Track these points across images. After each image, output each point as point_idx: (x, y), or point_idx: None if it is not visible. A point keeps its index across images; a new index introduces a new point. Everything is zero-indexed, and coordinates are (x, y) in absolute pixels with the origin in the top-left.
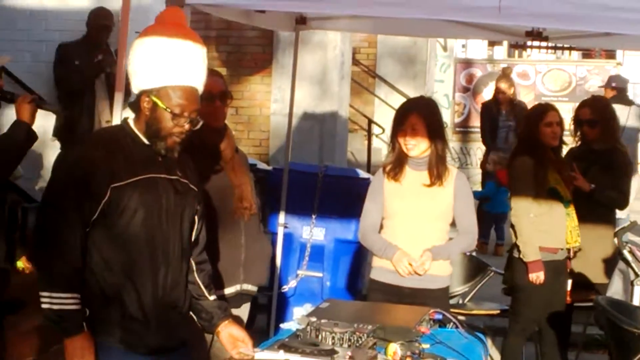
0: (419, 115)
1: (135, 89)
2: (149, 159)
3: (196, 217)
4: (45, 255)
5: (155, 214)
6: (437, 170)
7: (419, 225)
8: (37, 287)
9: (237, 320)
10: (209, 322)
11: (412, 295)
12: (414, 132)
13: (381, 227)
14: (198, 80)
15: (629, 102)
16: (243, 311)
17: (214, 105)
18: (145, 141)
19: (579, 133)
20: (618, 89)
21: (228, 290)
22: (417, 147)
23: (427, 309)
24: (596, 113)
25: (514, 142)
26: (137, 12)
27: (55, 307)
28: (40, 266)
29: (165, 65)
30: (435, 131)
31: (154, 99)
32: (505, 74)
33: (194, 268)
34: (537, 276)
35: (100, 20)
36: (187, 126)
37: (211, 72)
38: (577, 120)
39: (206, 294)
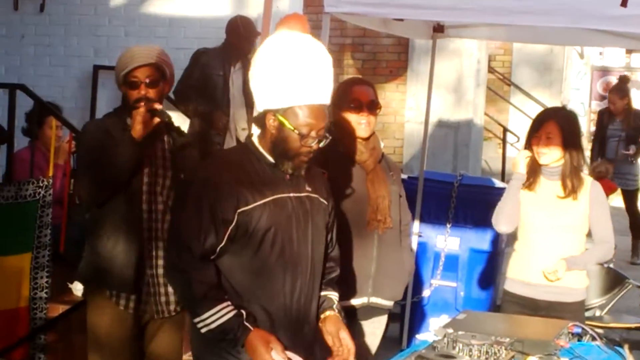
0: (556, 123)
1: (260, 106)
2: (276, 178)
3: (326, 230)
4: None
5: (286, 235)
6: (571, 181)
7: (553, 237)
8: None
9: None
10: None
11: (547, 308)
12: (548, 140)
13: (515, 238)
14: (325, 97)
15: None
16: (376, 325)
17: (362, 115)
18: (271, 160)
19: None
20: None
21: (355, 302)
22: (549, 155)
23: (566, 322)
24: None
25: (622, 153)
26: (276, 19)
27: (213, 326)
28: (181, 294)
29: (291, 84)
30: (570, 141)
31: (281, 118)
32: (620, 83)
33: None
34: None
35: (239, 29)
36: (314, 146)
37: (361, 81)
38: None
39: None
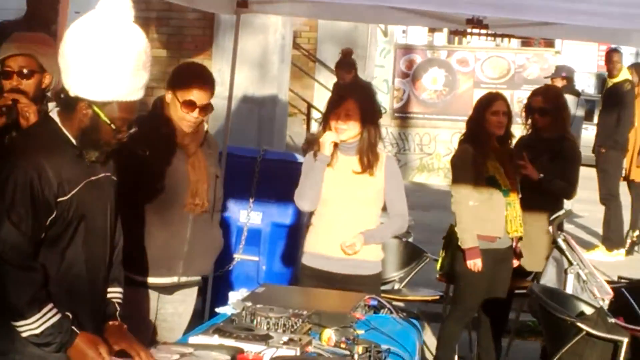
0: (354, 101)
1: (72, 90)
2: (81, 163)
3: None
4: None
5: (93, 221)
6: (367, 157)
7: (350, 211)
8: None
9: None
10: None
11: (344, 281)
12: (347, 117)
13: (312, 213)
14: (143, 91)
15: (577, 93)
16: (188, 301)
17: (191, 115)
18: (75, 144)
19: (529, 121)
20: (567, 79)
21: (164, 280)
22: (348, 131)
23: (362, 295)
24: (548, 102)
25: None
26: None
27: (37, 330)
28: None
29: (113, 79)
30: (368, 117)
31: (97, 110)
32: (344, 58)
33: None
34: (475, 263)
35: None
36: (125, 138)
37: (202, 75)
38: (529, 108)
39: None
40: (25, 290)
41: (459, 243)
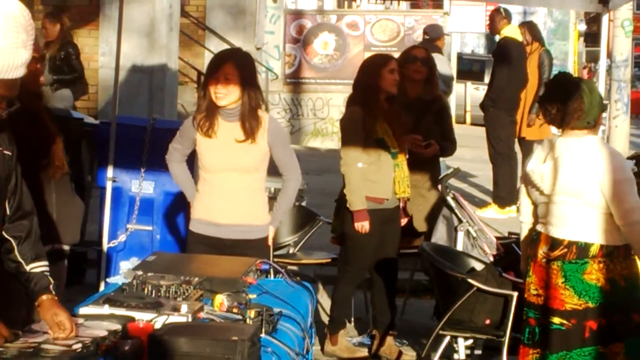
0: (233, 65)
1: None
2: None
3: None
4: None
5: None
6: (249, 122)
7: (235, 178)
8: None
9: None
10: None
11: (233, 246)
12: (226, 81)
13: (199, 178)
14: (24, 69)
15: (441, 51)
16: (60, 269)
17: (35, 68)
18: None
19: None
20: (432, 39)
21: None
22: (228, 97)
23: (254, 260)
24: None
25: None
26: None
27: None
28: None
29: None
30: (248, 82)
31: None
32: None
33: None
34: (362, 225)
35: None
36: (5, 114)
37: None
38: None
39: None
40: None
41: (347, 205)
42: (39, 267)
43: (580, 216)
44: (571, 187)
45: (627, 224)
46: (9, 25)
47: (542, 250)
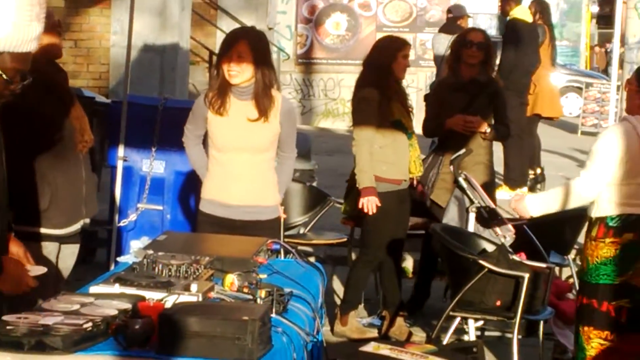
0: (246, 43)
1: None
2: None
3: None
4: None
5: None
6: (262, 101)
7: (246, 158)
8: None
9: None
10: None
11: (243, 227)
12: (240, 59)
13: (210, 157)
14: (37, 42)
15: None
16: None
17: (58, 40)
18: None
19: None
20: (455, 17)
21: (75, 228)
22: (241, 75)
23: (265, 240)
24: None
25: None
26: None
27: None
28: None
29: (4, 29)
30: (261, 60)
31: None
32: None
33: None
34: (368, 200)
35: None
36: (18, 88)
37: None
38: (459, 54)
39: None
40: None
41: (357, 185)
42: None
43: None
44: None
45: None
46: None
47: None
